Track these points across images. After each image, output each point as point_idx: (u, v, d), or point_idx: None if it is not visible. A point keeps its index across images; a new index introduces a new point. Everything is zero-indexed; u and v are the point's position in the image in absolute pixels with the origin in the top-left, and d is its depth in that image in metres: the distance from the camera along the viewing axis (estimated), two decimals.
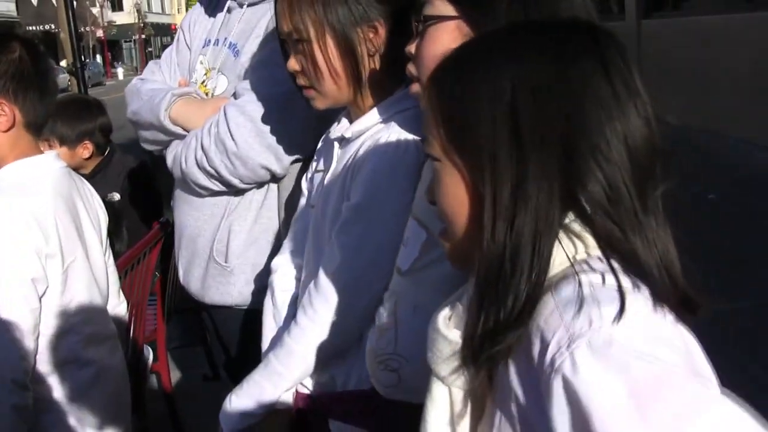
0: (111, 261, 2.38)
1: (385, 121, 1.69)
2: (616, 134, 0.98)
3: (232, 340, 2.40)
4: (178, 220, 2.40)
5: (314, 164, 1.92)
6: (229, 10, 2.33)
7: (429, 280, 1.43)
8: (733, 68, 8.67)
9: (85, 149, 3.77)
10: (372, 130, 1.71)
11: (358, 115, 1.75)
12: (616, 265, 0.96)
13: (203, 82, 2.32)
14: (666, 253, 1.00)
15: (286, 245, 1.96)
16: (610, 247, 0.97)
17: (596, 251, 0.98)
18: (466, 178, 1.01)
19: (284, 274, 1.93)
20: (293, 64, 1.76)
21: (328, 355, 1.69)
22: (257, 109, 2.10)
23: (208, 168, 2.16)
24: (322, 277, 1.68)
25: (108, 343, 2.26)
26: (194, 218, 2.32)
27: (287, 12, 1.73)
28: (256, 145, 2.10)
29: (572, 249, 0.98)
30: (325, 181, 1.79)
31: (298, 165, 2.18)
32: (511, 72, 0.99)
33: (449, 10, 1.38)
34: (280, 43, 1.83)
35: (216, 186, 2.20)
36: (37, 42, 2.27)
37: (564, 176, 0.96)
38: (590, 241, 0.98)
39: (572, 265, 0.97)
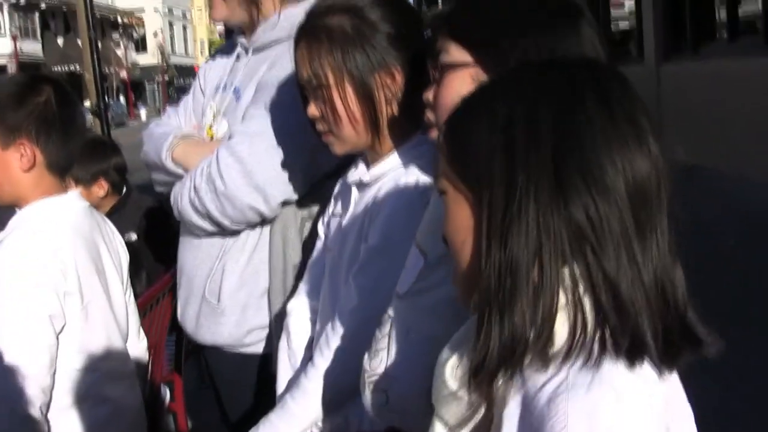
0: (132, 299, 2.40)
1: (403, 165, 1.72)
2: (613, 166, 0.99)
3: (222, 380, 2.42)
4: (179, 259, 2.44)
5: (331, 208, 1.95)
6: (238, 57, 2.38)
7: (424, 305, 1.45)
8: (750, 112, 8.67)
9: (100, 188, 3.81)
10: (390, 174, 1.74)
11: (376, 159, 1.78)
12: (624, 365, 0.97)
13: (211, 126, 2.36)
14: (666, 284, 1.01)
15: (302, 288, 1.98)
16: (589, 278, 0.99)
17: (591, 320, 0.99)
18: (470, 202, 1.04)
19: (300, 316, 1.95)
20: (312, 110, 1.80)
21: (343, 396, 1.69)
22: (246, 149, 2.14)
23: (200, 207, 2.19)
24: (339, 318, 1.69)
25: (126, 381, 2.28)
26: (192, 258, 2.36)
27: (306, 59, 1.78)
28: (244, 185, 2.13)
29: (577, 315, 1.00)
30: (343, 225, 1.82)
31: (306, 211, 2.21)
32: (510, 103, 1.02)
33: (465, 57, 1.41)
34: (299, 90, 1.86)
35: (208, 226, 2.23)
36: (65, 84, 2.32)
37: (554, 196, 0.98)
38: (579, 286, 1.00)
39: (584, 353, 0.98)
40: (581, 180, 0.98)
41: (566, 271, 0.99)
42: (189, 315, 2.38)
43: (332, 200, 1.95)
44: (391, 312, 1.52)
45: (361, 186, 1.80)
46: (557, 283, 0.99)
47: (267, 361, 2.24)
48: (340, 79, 1.74)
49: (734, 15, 10.28)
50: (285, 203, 2.19)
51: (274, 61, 2.23)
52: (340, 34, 1.75)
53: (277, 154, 2.13)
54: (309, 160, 2.13)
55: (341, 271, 1.77)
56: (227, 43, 2.54)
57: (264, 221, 2.22)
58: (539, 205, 0.98)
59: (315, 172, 2.16)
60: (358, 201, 1.80)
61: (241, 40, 2.36)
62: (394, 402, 1.47)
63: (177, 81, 58.11)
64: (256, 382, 2.29)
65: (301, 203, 2.20)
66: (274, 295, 2.23)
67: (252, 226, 2.23)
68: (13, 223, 2.13)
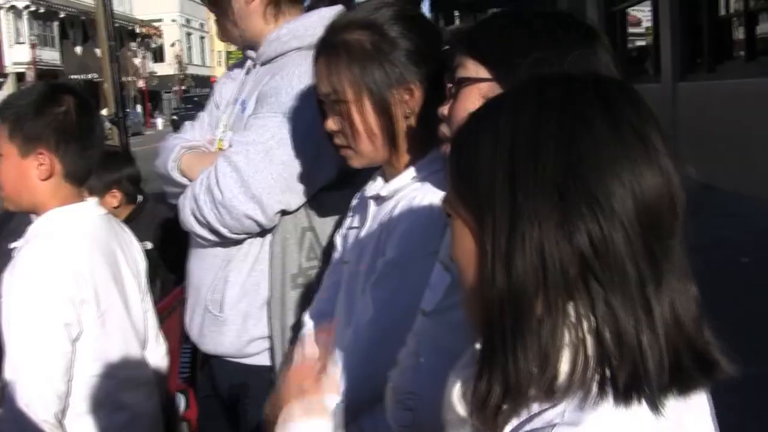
0: (150, 307, 2.42)
1: (421, 180, 1.73)
2: (621, 186, 0.94)
3: (225, 390, 2.44)
4: (187, 269, 2.47)
5: (348, 221, 1.97)
6: (248, 71, 2.41)
7: (451, 322, 1.44)
8: (766, 132, 8.65)
9: (114, 198, 3.83)
10: (407, 189, 1.75)
11: (393, 174, 1.80)
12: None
13: (221, 139, 2.39)
14: (680, 311, 0.97)
15: (318, 299, 1.99)
16: (593, 313, 0.95)
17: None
18: (473, 229, 1.01)
19: (315, 327, 1.95)
20: (331, 124, 1.82)
21: (358, 406, 1.70)
22: (243, 159, 2.16)
23: (200, 217, 2.22)
24: (355, 330, 1.70)
25: (144, 389, 2.30)
26: (198, 267, 2.39)
27: (325, 73, 1.80)
28: (240, 195, 2.15)
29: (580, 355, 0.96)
30: (360, 238, 1.83)
31: (307, 221, 2.22)
32: (513, 122, 0.99)
33: (482, 72, 1.43)
34: (317, 103, 1.88)
35: (209, 235, 2.25)
36: (85, 94, 2.34)
37: (557, 223, 0.94)
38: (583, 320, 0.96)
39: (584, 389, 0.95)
40: (585, 203, 0.93)
41: (571, 306, 0.95)
42: (194, 324, 2.41)
43: (350, 213, 1.97)
44: (416, 329, 1.52)
45: (379, 200, 1.81)
46: (562, 318, 0.94)
47: (269, 373, 2.26)
48: (359, 95, 1.76)
49: (751, 34, 10.28)
50: (284, 213, 2.21)
51: (275, 71, 2.26)
52: (359, 50, 1.76)
53: (275, 164, 2.15)
54: (308, 170, 2.15)
55: (358, 283, 1.78)
56: (243, 57, 2.58)
57: (265, 231, 2.23)
58: (543, 231, 0.93)
59: (315, 182, 2.19)
60: (375, 215, 1.81)
61: (250, 53, 2.40)
62: (420, 421, 1.47)
63: (193, 91, 58.35)
64: (259, 393, 2.29)
65: (302, 213, 2.22)
66: (273, 306, 2.25)
67: (253, 235, 2.25)
68: (31, 231, 2.15)
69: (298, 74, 2.16)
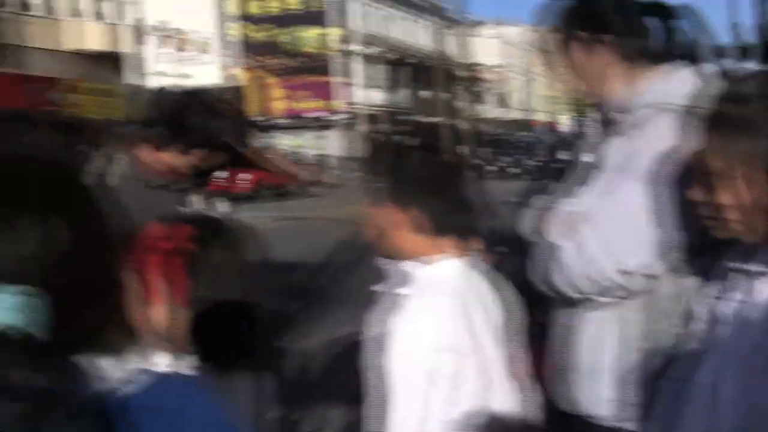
0: (506, 356, 2.48)
1: None
2: None
3: None
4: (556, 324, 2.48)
5: (713, 290, 1.91)
6: (603, 126, 2.39)
7: None
8: None
9: (468, 247, 3.92)
10: None
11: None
12: None
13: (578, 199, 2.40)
14: None
15: (678, 367, 1.95)
16: None
17: None
18: None
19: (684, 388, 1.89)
20: (723, 198, 1.79)
21: None
22: (601, 223, 2.17)
23: (554, 278, 2.26)
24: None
25: None
26: (568, 325, 2.39)
27: (719, 147, 1.77)
28: (598, 258, 2.16)
29: None
30: (739, 312, 1.79)
31: (673, 287, 2.18)
32: None
33: None
34: (701, 175, 1.84)
35: (563, 295, 2.28)
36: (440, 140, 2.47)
37: None
38: None
39: None
40: None
41: None
42: (562, 383, 2.42)
43: (722, 283, 1.90)
44: None
45: (758, 275, 1.76)
46: None
47: None
48: (751, 170, 1.73)
49: None
50: (645, 277, 2.18)
51: (634, 134, 2.23)
52: (755, 125, 1.74)
53: (633, 229, 2.13)
54: (666, 236, 2.11)
55: (742, 362, 1.74)
56: (594, 113, 2.56)
57: (626, 294, 2.21)
58: None
59: (672, 248, 2.13)
60: (756, 291, 1.76)
61: (603, 108, 2.39)
62: None
63: (517, 136, 58.63)
64: None
65: (664, 278, 2.18)
66: (619, 367, 2.25)
67: (612, 297, 2.23)
68: (402, 280, 2.29)
69: (659, 137, 2.13)
